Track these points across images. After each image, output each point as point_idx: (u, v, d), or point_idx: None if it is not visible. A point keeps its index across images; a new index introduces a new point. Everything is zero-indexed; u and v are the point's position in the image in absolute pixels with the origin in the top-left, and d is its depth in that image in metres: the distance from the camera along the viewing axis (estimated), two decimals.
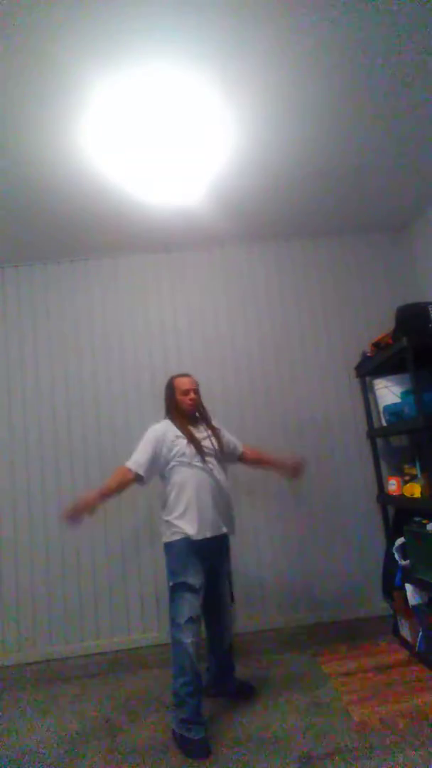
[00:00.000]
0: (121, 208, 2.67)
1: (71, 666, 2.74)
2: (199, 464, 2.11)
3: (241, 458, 2.38)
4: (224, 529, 2.13)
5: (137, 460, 2.10)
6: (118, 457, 2.96)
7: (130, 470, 2.08)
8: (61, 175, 2.31)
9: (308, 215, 3.01)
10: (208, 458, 2.14)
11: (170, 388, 2.27)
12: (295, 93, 1.99)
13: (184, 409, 2.22)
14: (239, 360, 3.14)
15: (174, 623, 1.99)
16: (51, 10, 1.52)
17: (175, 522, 2.05)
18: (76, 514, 1.97)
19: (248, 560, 2.88)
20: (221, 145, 2.25)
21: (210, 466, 2.14)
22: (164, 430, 2.17)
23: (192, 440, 2.13)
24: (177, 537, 2.04)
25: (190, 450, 2.11)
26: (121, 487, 2.07)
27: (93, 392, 3.07)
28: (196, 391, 2.26)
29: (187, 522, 2.03)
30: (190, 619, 1.95)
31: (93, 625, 2.83)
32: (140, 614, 2.84)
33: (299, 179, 2.59)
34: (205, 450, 2.14)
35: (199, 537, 2.02)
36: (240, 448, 2.38)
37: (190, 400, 2.22)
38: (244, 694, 2.23)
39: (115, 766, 1.86)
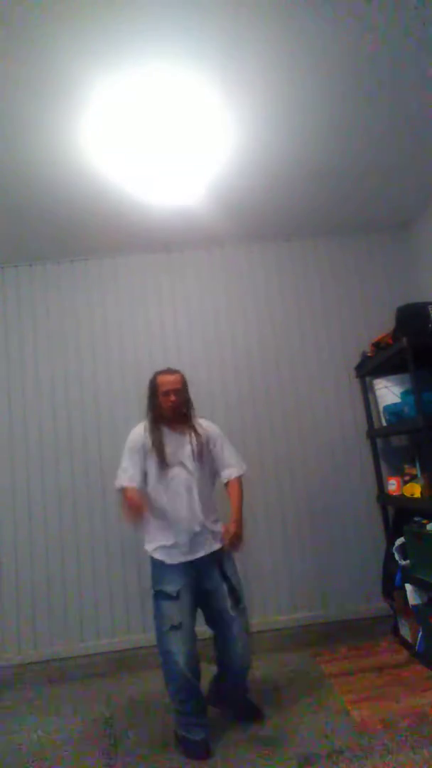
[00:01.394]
0: (121, 208, 2.66)
1: (71, 666, 2.74)
2: (172, 475, 2.00)
3: (225, 484, 2.15)
4: (200, 553, 1.97)
5: (128, 475, 2.03)
6: (118, 457, 2.97)
7: (127, 488, 1.99)
8: (61, 175, 2.31)
9: (308, 215, 3.01)
10: (179, 468, 2.01)
11: (152, 386, 2.13)
12: (295, 93, 1.99)
13: (163, 411, 2.08)
14: (239, 360, 3.14)
15: (158, 632, 1.94)
16: (51, 10, 1.52)
17: (149, 542, 2.01)
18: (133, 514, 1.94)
19: (248, 560, 2.87)
20: (221, 145, 2.25)
21: (185, 476, 2.01)
22: (137, 438, 2.08)
23: (158, 448, 2.01)
24: (151, 554, 2.00)
25: (169, 454, 2.01)
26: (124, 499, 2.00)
27: (93, 392, 3.07)
28: (178, 392, 2.08)
29: (158, 545, 1.97)
30: (173, 627, 1.88)
31: (93, 625, 2.83)
32: (140, 614, 2.84)
33: (299, 179, 2.59)
34: (179, 459, 2.02)
35: (172, 562, 1.95)
36: (229, 472, 2.13)
37: (171, 402, 2.06)
38: (249, 716, 2.06)
39: (115, 766, 1.86)
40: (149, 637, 2.76)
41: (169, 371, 2.17)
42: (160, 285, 3.21)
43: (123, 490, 2.00)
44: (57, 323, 3.14)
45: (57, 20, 1.55)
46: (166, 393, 2.07)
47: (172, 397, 2.07)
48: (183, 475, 2.02)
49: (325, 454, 3.05)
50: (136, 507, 1.92)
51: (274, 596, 2.89)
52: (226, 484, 2.14)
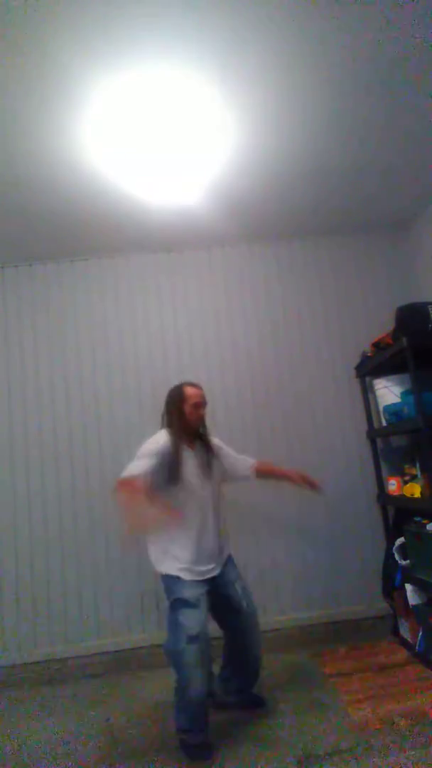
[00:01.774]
0: (121, 208, 2.67)
1: (71, 666, 2.74)
2: (190, 494, 1.98)
3: (251, 476, 2.24)
4: (216, 571, 1.99)
5: (140, 471, 1.88)
6: (118, 456, 2.98)
7: (134, 479, 1.85)
8: (61, 175, 2.31)
9: (308, 215, 3.01)
10: (198, 486, 2.00)
11: (179, 396, 2.07)
12: (294, 93, 1.99)
13: (190, 423, 2.06)
14: (239, 360, 3.14)
15: (173, 646, 1.85)
16: (51, 10, 1.52)
17: (162, 561, 1.97)
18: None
19: (248, 560, 2.87)
20: (221, 145, 2.25)
21: (202, 494, 2.01)
22: (163, 446, 1.97)
23: (178, 465, 1.95)
24: (166, 572, 1.95)
25: (191, 470, 1.99)
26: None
27: (93, 391, 3.07)
28: (205, 406, 2.12)
29: (174, 563, 1.94)
30: (190, 640, 1.81)
31: (93, 625, 2.83)
32: (140, 614, 2.84)
33: (299, 179, 2.59)
34: (198, 477, 2.01)
35: (189, 578, 1.92)
36: (248, 469, 2.23)
37: (200, 416, 2.07)
38: (253, 705, 2.14)
39: (114, 766, 1.86)
40: (149, 637, 2.78)
41: (195, 384, 2.14)
42: (160, 285, 3.21)
43: (126, 482, 1.83)
44: (57, 323, 3.14)
45: (57, 20, 1.55)
46: (197, 405, 2.06)
47: (202, 411, 2.08)
48: (200, 493, 2.01)
49: (325, 454, 3.05)
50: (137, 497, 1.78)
51: (274, 596, 2.89)
52: (257, 473, 2.25)
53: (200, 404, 2.07)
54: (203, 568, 1.96)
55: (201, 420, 2.10)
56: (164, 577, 1.97)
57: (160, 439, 2.01)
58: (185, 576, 1.92)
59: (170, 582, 1.94)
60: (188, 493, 1.98)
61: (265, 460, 2.35)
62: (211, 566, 1.99)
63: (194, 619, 1.84)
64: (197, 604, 1.88)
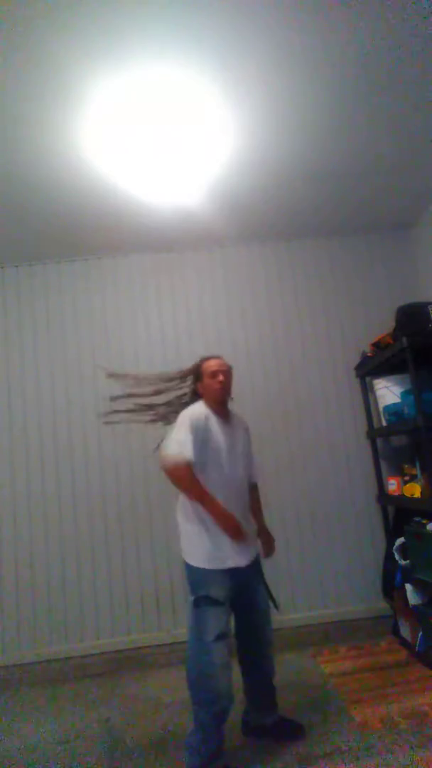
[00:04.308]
0: (121, 208, 2.67)
1: (71, 666, 2.74)
2: (232, 467, 1.83)
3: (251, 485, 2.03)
4: (247, 558, 1.81)
5: (188, 449, 1.72)
6: (117, 456, 2.99)
7: (185, 462, 1.70)
8: (61, 175, 2.31)
9: (308, 215, 3.01)
10: (236, 463, 1.86)
11: (196, 371, 1.96)
12: (295, 93, 1.99)
13: (213, 395, 1.88)
14: (239, 360, 3.11)
15: (199, 642, 1.69)
16: (51, 9, 1.52)
17: (201, 546, 1.76)
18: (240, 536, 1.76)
19: None
20: (221, 145, 2.25)
21: (240, 474, 1.88)
22: (201, 412, 1.82)
23: (207, 432, 1.79)
24: (201, 565, 1.75)
25: (224, 445, 1.81)
26: (195, 481, 1.74)
27: (93, 391, 3.07)
28: (226, 374, 1.90)
29: (209, 551, 1.75)
30: (219, 636, 1.68)
31: (93, 625, 2.83)
32: (140, 614, 2.84)
33: (299, 179, 2.59)
34: (236, 454, 1.86)
35: (230, 566, 1.75)
36: (253, 477, 2.04)
37: (219, 383, 1.86)
38: (288, 732, 1.88)
39: (114, 766, 1.86)
40: (149, 637, 2.78)
41: (213, 356, 1.99)
42: (160, 285, 3.21)
43: (180, 469, 1.69)
44: (57, 323, 3.14)
45: (57, 19, 1.55)
46: (215, 374, 1.88)
47: (221, 377, 1.87)
48: (239, 473, 1.89)
49: (325, 454, 3.05)
50: (234, 524, 1.73)
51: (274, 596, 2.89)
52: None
53: (217, 372, 1.89)
54: (235, 555, 1.76)
55: (225, 388, 1.90)
56: (191, 568, 1.78)
57: (199, 409, 1.86)
58: (217, 564, 1.74)
59: (197, 573, 1.75)
60: (217, 466, 1.80)
61: (258, 497, 2.09)
62: (245, 556, 1.80)
63: (222, 618, 1.71)
64: (224, 604, 1.73)
